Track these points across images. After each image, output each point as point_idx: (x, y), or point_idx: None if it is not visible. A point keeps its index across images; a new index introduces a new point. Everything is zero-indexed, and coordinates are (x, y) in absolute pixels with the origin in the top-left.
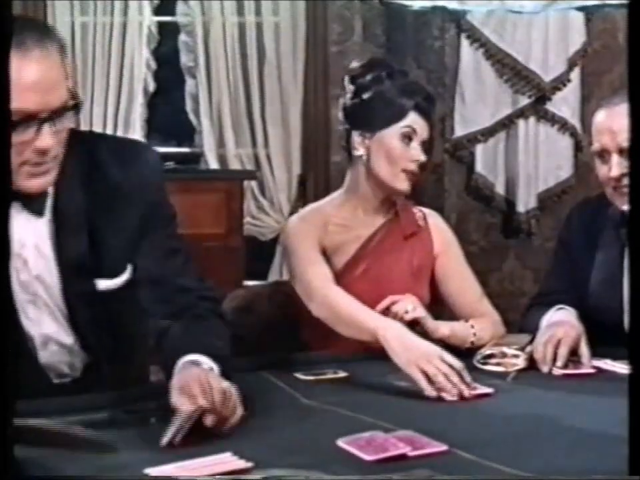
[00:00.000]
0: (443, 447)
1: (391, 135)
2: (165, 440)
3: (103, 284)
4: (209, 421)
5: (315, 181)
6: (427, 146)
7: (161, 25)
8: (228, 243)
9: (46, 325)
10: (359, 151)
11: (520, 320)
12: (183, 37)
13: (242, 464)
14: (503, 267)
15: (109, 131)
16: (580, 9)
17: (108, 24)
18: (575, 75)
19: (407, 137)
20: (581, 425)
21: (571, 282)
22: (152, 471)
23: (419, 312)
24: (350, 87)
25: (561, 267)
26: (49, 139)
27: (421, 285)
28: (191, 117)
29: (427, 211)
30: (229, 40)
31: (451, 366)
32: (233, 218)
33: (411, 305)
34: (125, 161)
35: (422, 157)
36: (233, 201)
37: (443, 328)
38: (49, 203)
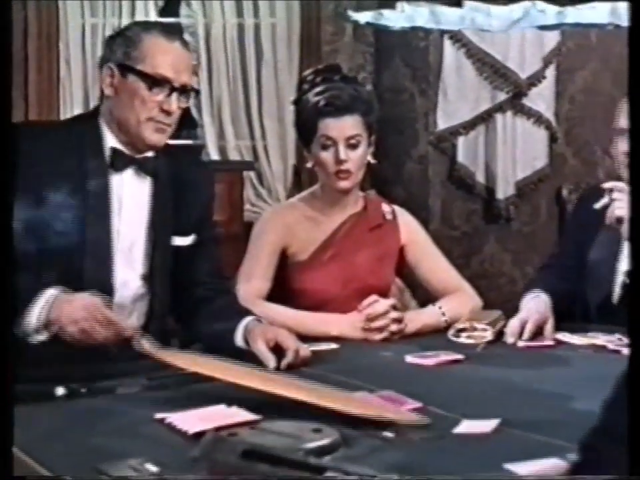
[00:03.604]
0: (418, 404)
1: (316, 148)
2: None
3: (177, 240)
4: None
5: (309, 171)
6: (355, 140)
7: None
8: (229, 229)
9: (125, 271)
10: (309, 164)
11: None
12: (185, 37)
13: (251, 416)
14: (483, 250)
15: None
16: (541, 27)
17: (116, 25)
18: (550, 72)
19: (326, 145)
20: (538, 386)
21: (575, 251)
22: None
23: (395, 314)
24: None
25: (568, 237)
26: (174, 104)
27: (385, 269)
28: (193, 111)
29: (397, 208)
30: (228, 40)
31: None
32: (233, 206)
33: (386, 307)
34: (200, 166)
35: (342, 156)
36: (233, 190)
37: (414, 324)
38: (152, 167)
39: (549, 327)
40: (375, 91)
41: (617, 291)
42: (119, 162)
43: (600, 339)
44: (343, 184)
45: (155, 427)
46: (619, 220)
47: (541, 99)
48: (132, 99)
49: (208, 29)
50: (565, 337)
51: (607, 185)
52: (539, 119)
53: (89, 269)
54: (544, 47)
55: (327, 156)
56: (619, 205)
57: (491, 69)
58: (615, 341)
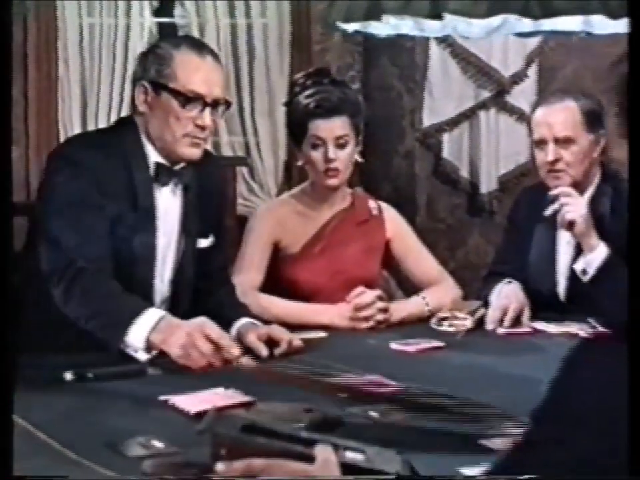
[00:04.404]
0: (401, 386)
1: (306, 147)
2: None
3: (201, 242)
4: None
5: (299, 166)
6: (344, 140)
7: (160, 26)
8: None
9: (158, 278)
10: (300, 162)
11: (480, 286)
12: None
13: (247, 398)
14: (468, 242)
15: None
16: (519, 34)
17: (113, 25)
18: (532, 70)
19: (316, 145)
20: (513, 372)
21: (516, 255)
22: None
23: (381, 304)
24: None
25: (508, 242)
26: (208, 119)
27: (372, 262)
28: None
29: (383, 204)
30: (222, 39)
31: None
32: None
33: (372, 297)
34: (217, 166)
35: (331, 155)
36: (226, 185)
37: (399, 314)
38: (188, 178)
39: (526, 314)
40: (363, 89)
41: (561, 284)
42: (164, 176)
43: (573, 327)
44: (332, 181)
45: (159, 408)
46: (571, 223)
47: (524, 96)
48: (166, 116)
49: (202, 28)
50: (541, 325)
51: (554, 192)
52: (521, 115)
53: (135, 280)
54: (526, 46)
55: (316, 155)
56: (568, 209)
57: (475, 68)
58: (588, 329)
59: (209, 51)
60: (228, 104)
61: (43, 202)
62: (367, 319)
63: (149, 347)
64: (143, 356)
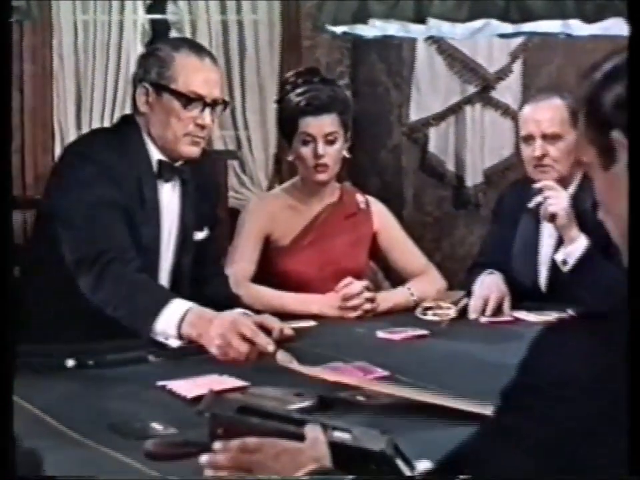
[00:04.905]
0: (387, 373)
1: (297, 144)
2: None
3: (198, 235)
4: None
5: (289, 160)
6: (333, 136)
7: (153, 23)
8: None
9: (159, 271)
10: (290, 157)
11: (464, 277)
12: (173, 34)
13: (240, 383)
14: (454, 234)
15: (107, 118)
16: (501, 35)
17: (106, 22)
18: (517, 66)
19: (306, 141)
20: (494, 359)
21: (499, 247)
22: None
23: (368, 294)
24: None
25: (493, 234)
26: (208, 118)
27: (359, 254)
28: None
29: (370, 197)
30: (213, 36)
31: None
32: None
33: (360, 288)
34: (212, 161)
35: (321, 151)
36: (220, 180)
37: (385, 304)
38: (187, 174)
39: (507, 303)
40: (351, 85)
41: (542, 275)
42: (167, 173)
43: (552, 316)
44: (321, 176)
45: (157, 393)
46: (553, 216)
47: (509, 92)
48: (168, 116)
49: (194, 25)
50: (522, 314)
51: (538, 185)
52: (506, 110)
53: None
54: (510, 43)
55: (306, 151)
56: (551, 202)
57: (460, 64)
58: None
59: (207, 53)
60: (226, 104)
61: (63, 196)
62: (354, 308)
63: (180, 336)
64: (174, 343)
